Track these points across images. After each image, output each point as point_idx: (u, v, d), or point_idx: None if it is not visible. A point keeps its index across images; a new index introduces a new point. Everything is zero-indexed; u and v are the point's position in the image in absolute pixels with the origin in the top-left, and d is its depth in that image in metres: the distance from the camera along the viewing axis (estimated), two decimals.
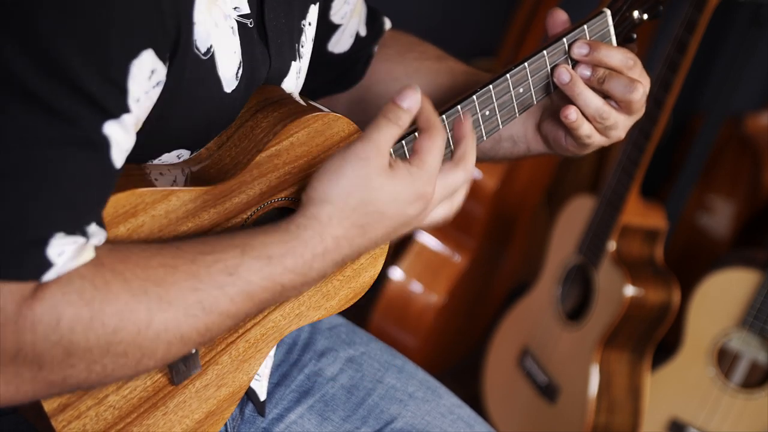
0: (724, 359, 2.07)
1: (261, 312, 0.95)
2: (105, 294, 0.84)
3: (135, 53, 0.83)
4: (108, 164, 0.84)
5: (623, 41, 1.19)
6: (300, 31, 1.08)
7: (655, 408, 2.14)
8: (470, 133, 1.02)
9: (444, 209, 1.04)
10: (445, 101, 1.20)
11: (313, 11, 1.11)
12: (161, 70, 0.87)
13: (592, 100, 1.13)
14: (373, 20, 1.29)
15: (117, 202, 0.89)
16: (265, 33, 1.01)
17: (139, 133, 0.91)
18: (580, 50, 1.13)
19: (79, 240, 0.83)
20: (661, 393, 2.13)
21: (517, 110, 1.13)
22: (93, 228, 0.84)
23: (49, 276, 0.82)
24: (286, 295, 0.95)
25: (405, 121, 0.96)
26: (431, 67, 1.27)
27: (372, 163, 0.94)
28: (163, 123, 0.93)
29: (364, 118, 1.06)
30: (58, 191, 0.81)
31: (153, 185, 0.93)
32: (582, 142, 1.16)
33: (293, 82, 1.09)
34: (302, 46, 1.09)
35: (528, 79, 1.12)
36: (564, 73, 1.13)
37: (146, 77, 0.85)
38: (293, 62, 1.08)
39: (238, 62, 0.97)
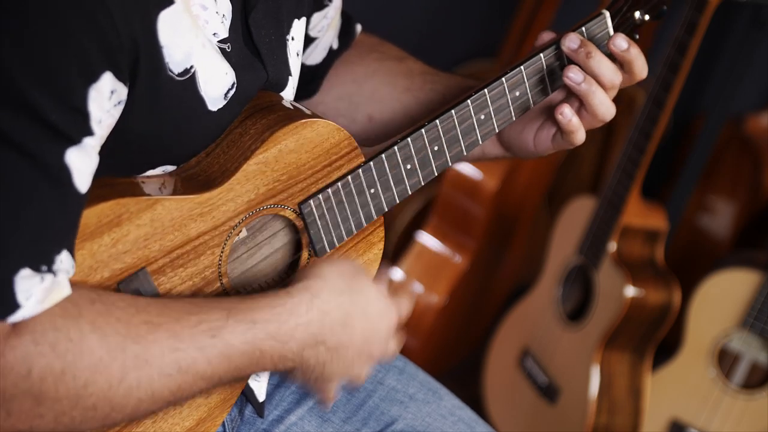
0: (725, 360, 2.07)
1: (234, 379, 0.96)
2: (79, 347, 0.84)
3: (94, 78, 0.83)
4: (71, 192, 0.84)
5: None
6: (285, 46, 1.08)
7: (655, 409, 2.14)
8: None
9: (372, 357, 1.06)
10: (400, 99, 1.21)
11: (297, 26, 1.11)
12: (122, 90, 0.87)
13: (604, 102, 1.11)
14: (345, 31, 1.29)
15: (101, 212, 0.89)
16: (257, 50, 1.01)
17: (122, 153, 0.91)
18: (570, 44, 1.10)
19: (46, 278, 0.83)
20: (661, 394, 2.13)
21: (513, 114, 1.13)
22: (63, 256, 0.84)
23: (16, 317, 0.81)
24: (262, 364, 0.95)
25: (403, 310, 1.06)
26: (390, 68, 1.27)
27: (361, 271, 1.02)
28: (147, 143, 0.93)
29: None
30: (20, 227, 0.81)
31: (137, 194, 0.93)
32: (570, 140, 1.15)
33: (289, 96, 1.09)
34: (290, 60, 1.09)
35: (525, 82, 1.11)
36: (577, 74, 1.10)
37: (106, 98, 0.85)
38: (290, 77, 1.09)
39: (231, 83, 0.97)
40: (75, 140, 0.83)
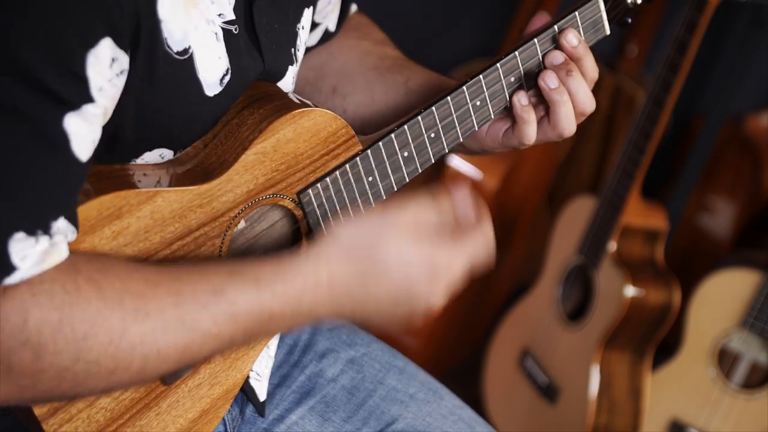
0: (725, 360, 2.07)
1: (249, 343, 0.94)
2: (75, 299, 0.83)
3: (92, 43, 0.82)
4: (70, 158, 0.84)
5: (618, 26, 1.17)
6: (295, 36, 1.08)
7: (655, 409, 2.14)
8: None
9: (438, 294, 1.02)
10: (365, 75, 1.21)
11: (307, 15, 1.11)
12: (123, 59, 0.86)
13: (569, 116, 1.10)
14: (342, 13, 1.28)
15: (101, 205, 0.89)
16: (257, 38, 1.01)
17: (117, 133, 0.90)
18: (554, 59, 1.10)
19: (42, 240, 0.82)
20: (661, 393, 2.13)
21: (508, 99, 1.12)
22: (60, 223, 0.84)
23: (12, 279, 0.81)
24: (276, 326, 0.93)
25: (446, 212, 0.98)
26: (365, 47, 1.27)
27: (393, 227, 0.95)
28: (142, 124, 0.93)
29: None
30: (15, 190, 0.80)
31: (137, 186, 0.93)
32: (520, 134, 1.13)
33: (288, 86, 1.09)
34: (298, 50, 1.09)
35: (519, 67, 1.11)
36: (552, 79, 1.09)
37: (107, 65, 0.84)
38: (290, 66, 1.09)
39: (225, 68, 0.97)
40: (74, 105, 0.83)
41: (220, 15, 0.95)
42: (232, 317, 0.90)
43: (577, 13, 1.12)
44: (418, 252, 0.96)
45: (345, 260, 0.94)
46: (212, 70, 0.96)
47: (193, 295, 0.88)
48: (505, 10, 2.62)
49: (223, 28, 0.96)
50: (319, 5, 1.21)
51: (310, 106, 1.01)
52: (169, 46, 0.90)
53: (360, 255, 0.94)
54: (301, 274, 0.92)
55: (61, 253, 0.84)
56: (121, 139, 0.92)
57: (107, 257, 0.88)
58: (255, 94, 1.02)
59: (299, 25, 1.09)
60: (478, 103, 1.10)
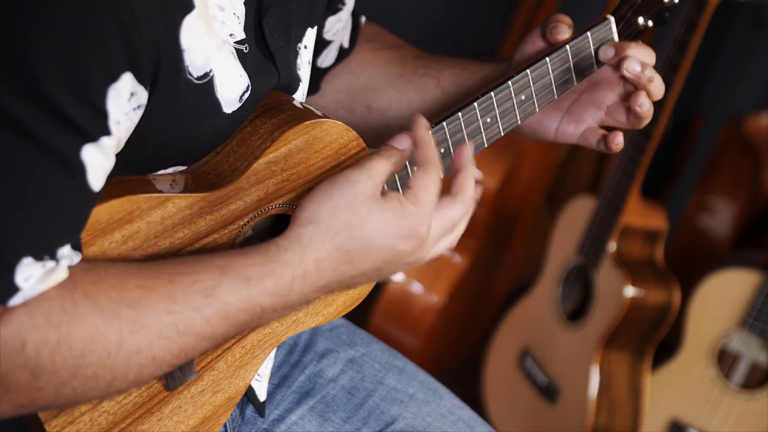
0: (725, 360, 2.08)
1: (241, 333, 0.95)
2: (73, 316, 0.83)
3: (114, 77, 0.83)
4: (84, 188, 0.84)
5: None
6: (296, 54, 1.08)
7: (655, 409, 2.14)
8: (469, 163, 1.00)
9: (445, 243, 1.03)
10: (395, 86, 1.21)
11: (310, 34, 1.11)
12: (142, 94, 0.87)
13: (660, 87, 1.12)
14: (354, 29, 1.29)
15: (112, 209, 0.89)
16: (270, 52, 1.01)
17: (135, 154, 0.91)
18: (606, 53, 1.12)
19: (48, 264, 0.82)
20: (661, 394, 2.13)
21: (518, 117, 1.13)
22: (65, 250, 0.84)
23: (15, 301, 0.81)
24: (267, 317, 0.94)
25: (398, 160, 0.98)
26: (384, 56, 1.27)
27: (360, 186, 0.94)
28: (160, 146, 0.93)
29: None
30: (29, 216, 0.81)
31: (149, 191, 0.93)
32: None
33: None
34: (299, 69, 1.09)
35: (530, 86, 1.12)
36: (635, 64, 1.10)
37: (125, 100, 0.85)
38: (300, 84, 1.09)
39: (246, 85, 0.97)
40: (92, 137, 0.83)
41: (231, 35, 0.95)
42: (225, 317, 0.90)
43: (589, 33, 1.13)
44: (390, 214, 0.95)
45: (328, 243, 0.93)
46: (232, 88, 0.96)
47: (186, 299, 0.88)
48: (505, 10, 2.62)
49: (235, 48, 0.96)
50: (328, 23, 1.21)
51: (322, 117, 1.01)
52: (190, 73, 0.91)
53: (341, 234, 0.93)
54: (289, 267, 0.92)
55: (63, 273, 0.84)
56: (138, 158, 0.93)
57: (101, 264, 0.88)
58: (268, 103, 1.02)
59: (300, 45, 1.09)
60: (488, 120, 1.10)
